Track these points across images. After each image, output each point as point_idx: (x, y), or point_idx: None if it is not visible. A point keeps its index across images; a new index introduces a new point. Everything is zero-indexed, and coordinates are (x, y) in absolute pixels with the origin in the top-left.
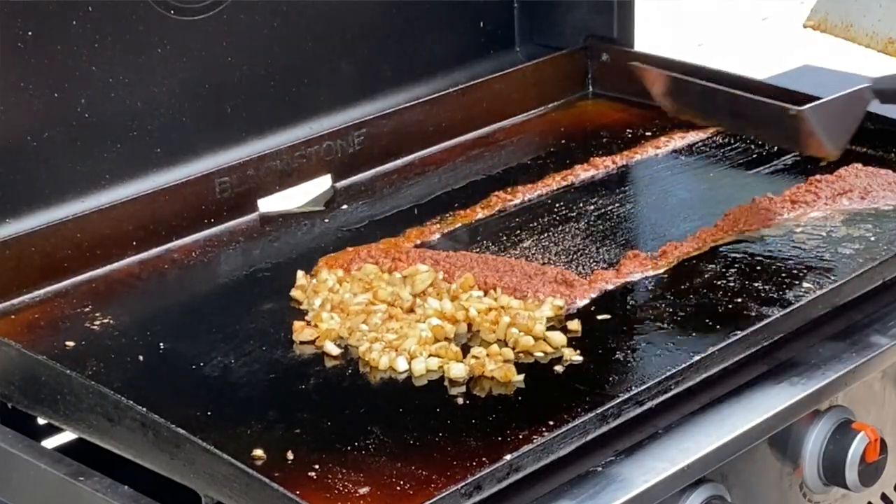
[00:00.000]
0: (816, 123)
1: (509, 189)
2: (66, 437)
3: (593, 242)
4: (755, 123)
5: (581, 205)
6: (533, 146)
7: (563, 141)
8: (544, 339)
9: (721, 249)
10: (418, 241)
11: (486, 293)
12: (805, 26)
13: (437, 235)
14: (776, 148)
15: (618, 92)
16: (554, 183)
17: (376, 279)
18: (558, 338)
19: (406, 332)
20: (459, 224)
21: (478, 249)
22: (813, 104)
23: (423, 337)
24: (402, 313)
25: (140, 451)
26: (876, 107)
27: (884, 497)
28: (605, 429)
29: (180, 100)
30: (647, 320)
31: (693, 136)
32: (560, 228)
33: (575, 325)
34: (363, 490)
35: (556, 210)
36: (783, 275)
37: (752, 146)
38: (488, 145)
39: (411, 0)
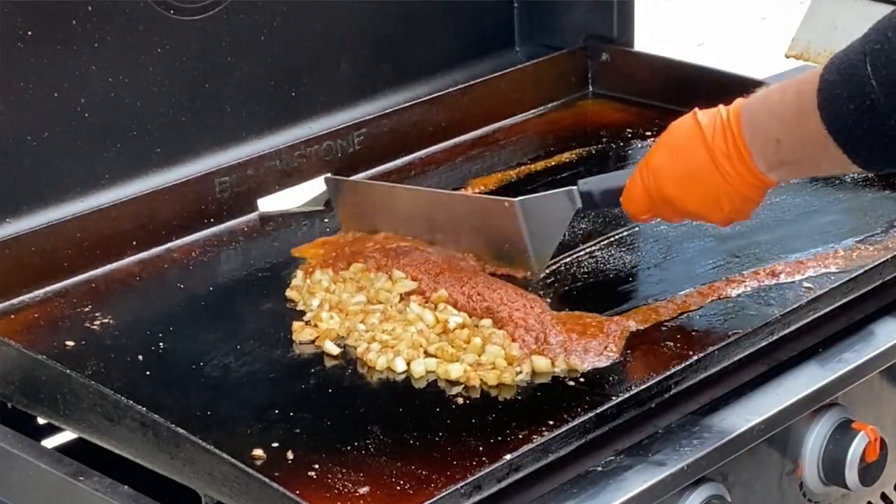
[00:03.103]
0: (523, 220)
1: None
2: (66, 437)
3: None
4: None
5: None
6: (533, 146)
7: (563, 141)
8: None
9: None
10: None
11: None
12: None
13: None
14: None
15: (618, 92)
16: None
17: (363, 278)
18: (543, 363)
19: (399, 334)
20: None
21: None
22: (522, 198)
23: (415, 340)
24: (396, 313)
25: (140, 451)
26: None
27: (884, 497)
28: (605, 429)
29: (180, 100)
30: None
31: None
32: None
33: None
34: (363, 490)
35: None
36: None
37: None
38: (488, 145)
39: (411, 0)
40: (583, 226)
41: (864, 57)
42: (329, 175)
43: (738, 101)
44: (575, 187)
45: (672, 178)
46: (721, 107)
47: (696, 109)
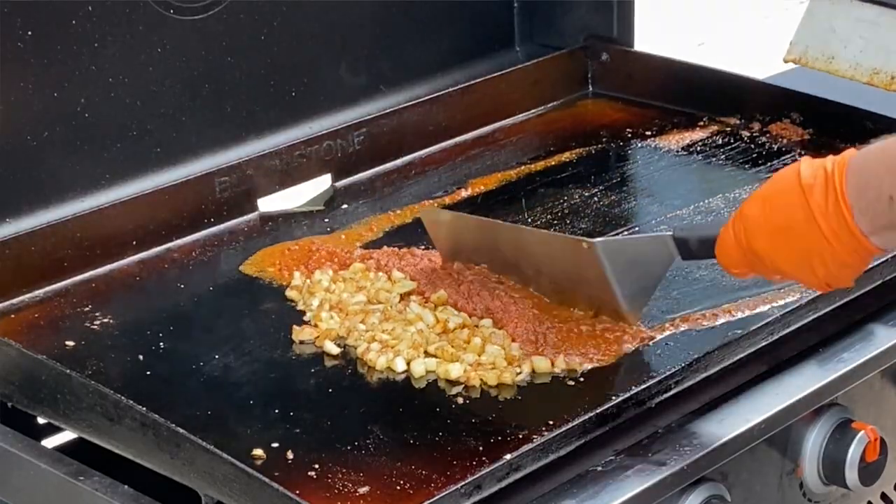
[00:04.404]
0: (609, 263)
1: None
2: (66, 436)
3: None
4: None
5: (579, 203)
6: (533, 146)
7: (563, 141)
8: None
9: None
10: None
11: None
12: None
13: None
14: (776, 147)
15: (618, 92)
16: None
17: (363, 278)
18: (543, 363)
19: (399, 334)
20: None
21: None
22: (605, 238)
23: (415, 340)
24: (396, 313)
25: (140, 451)
26: (876, 107)
27: (884, 497)
28: (605, 429)
29: (180, 100)
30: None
31: (693, 136)
32: (557, 227)
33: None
34: (363, 490)
35: (553, 208)
36: None
37: (752, 146)
38: (488, 145)
39: (411, 0)
40: (583, 226)
41: None
42: (426, 210)
43: (849, 152)
44: (669, 233)
45: (763, 232)
46: (830, 157)
47: (804, 158)
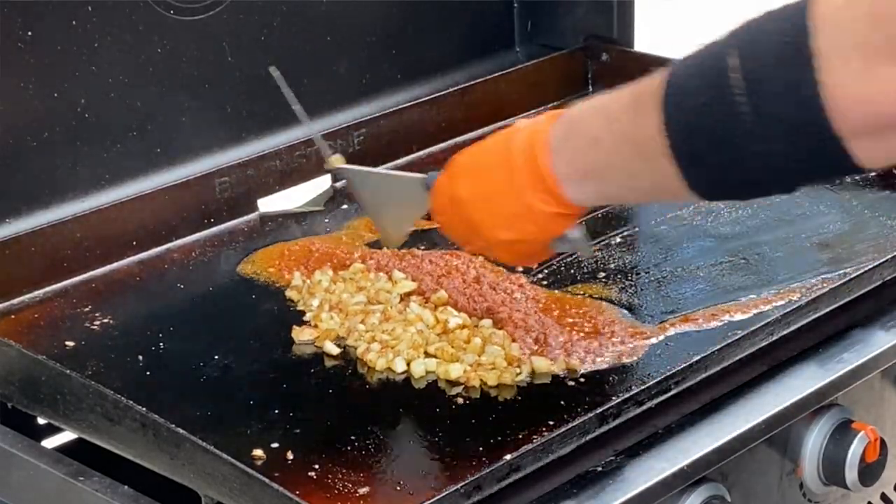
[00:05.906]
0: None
1: None
2: (66, 437)
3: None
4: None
5: None
6: None
7: None
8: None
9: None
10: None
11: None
12: None
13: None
14: None
15: None
16: None
17: (363, 278)
18: (543, 364)
19: (399, 335)
20: None
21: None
22: (354, 167)
23: (415, 340)
24: (396, 314)
25: (140, 451)
26: None
27: (884, 497)
28: (605, 429)
29: (180, 100)
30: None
31: None
32: None
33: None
34: (363, 490)
35: None
36: None
37: None
38: None
39: (411, 0)
40: None
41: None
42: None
43: (549, 131)
44: (423, 176)
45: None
46: (534, 139)
47: (511, 135)
